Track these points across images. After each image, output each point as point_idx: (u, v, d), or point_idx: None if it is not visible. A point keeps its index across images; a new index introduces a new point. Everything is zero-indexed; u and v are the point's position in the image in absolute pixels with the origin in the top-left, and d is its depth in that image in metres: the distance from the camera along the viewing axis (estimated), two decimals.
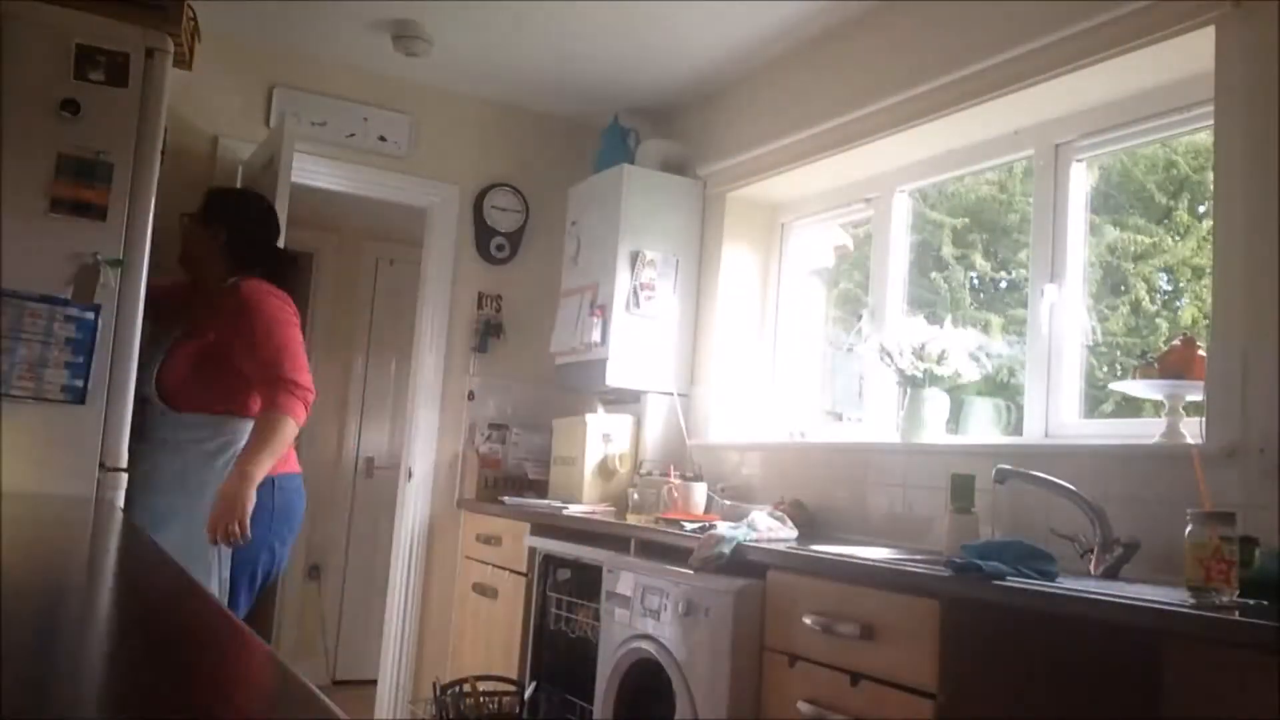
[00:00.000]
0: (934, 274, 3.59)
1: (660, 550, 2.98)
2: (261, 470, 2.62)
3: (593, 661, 3.08)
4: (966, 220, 3.55)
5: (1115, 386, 2.85)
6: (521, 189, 4.56)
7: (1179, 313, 2.96)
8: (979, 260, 3.54)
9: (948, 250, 3.58)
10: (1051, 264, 2.99)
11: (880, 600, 2.21)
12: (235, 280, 2.85)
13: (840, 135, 3.51)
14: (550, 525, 3.61)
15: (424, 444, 4.39)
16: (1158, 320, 2.98)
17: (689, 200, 4.17)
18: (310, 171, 4.07)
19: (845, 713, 2.23)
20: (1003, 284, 3.46)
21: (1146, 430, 2.59)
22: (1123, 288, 3.03)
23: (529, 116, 4.61)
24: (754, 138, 3.91)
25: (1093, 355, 2.97)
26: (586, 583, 3.34)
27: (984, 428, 3.09)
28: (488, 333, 4.47)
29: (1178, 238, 2.99)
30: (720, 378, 4.01)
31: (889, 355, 3.24)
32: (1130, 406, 2.81)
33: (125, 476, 2.67)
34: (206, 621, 1.04)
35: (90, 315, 2.64)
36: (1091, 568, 2.38)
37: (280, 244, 3.12)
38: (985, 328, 3.38)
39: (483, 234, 4.49)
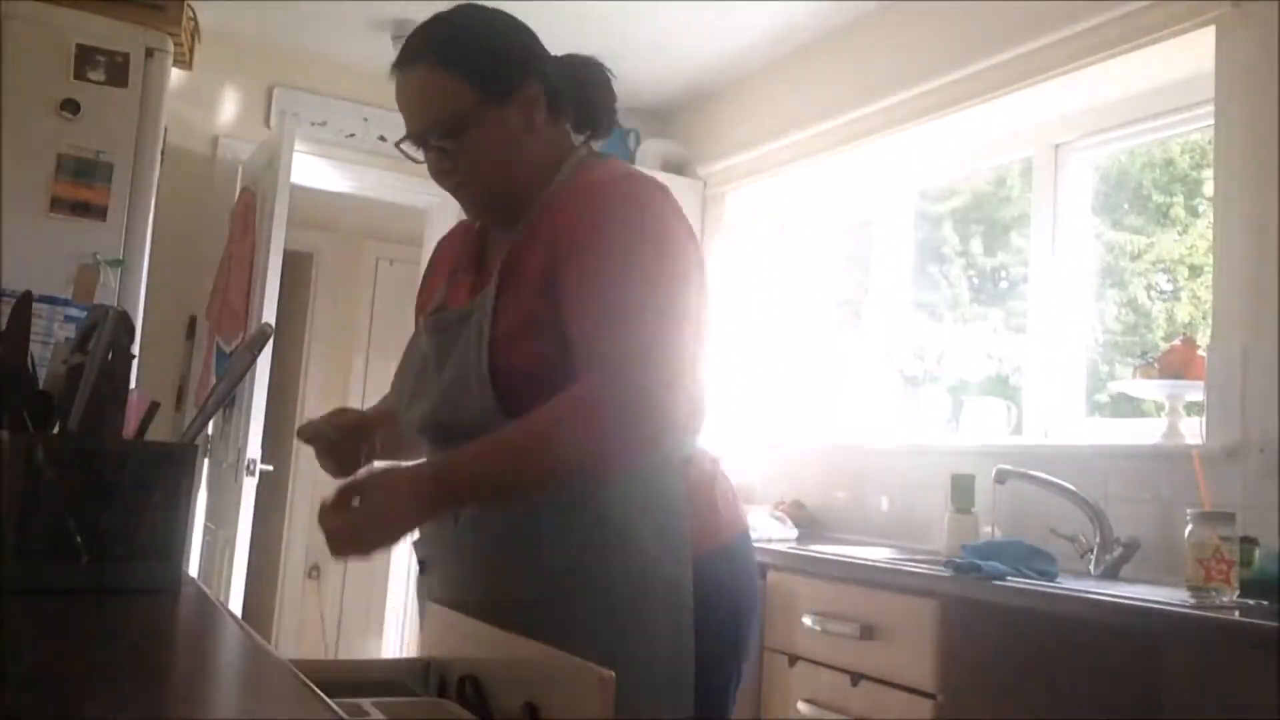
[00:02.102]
0: (933, 268, 3.59)
1: None
2: (467, 489, 1.25)
3: None
4: (967, 202, 3.55)
5: (1115, 386, 2.85)
6: None
7: (1175, 311, 2.96)
8: (979, 255, 3.54)
9: (948, 246, 3.58)
10: (1051, 264, 2.99)
11: (880, 600, 2.21)
12: (578, 162, 1.44)
13: (840, 135, 3.51)
14: None
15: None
16: (1155, 315, 2.98)
17: (689, 200, 4.16)
18: (310, 171, 4.07)
19: (845, 713, 2.23)
20: (1002, 283, 3.46)
21: (1146, 430, 2.59)
22: (1119, 286, 3.03)
23: None
24: (754, 138, 3.91)
25: (1092, 353, 2.97)
26: None
27: (984, 428, 3.09)
28: None
29: (1176, 236, 2.99)
30: (720, 378, 4.01)
31: (889, 354, 3.24)
32: (1127, 404, 2.81)
33: None
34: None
35: None
36: (1091, 568, 2.38)
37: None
38: (985, 320, 3.38)
39: None
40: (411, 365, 1.46)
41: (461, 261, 1.51)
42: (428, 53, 1.37)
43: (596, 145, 1.49)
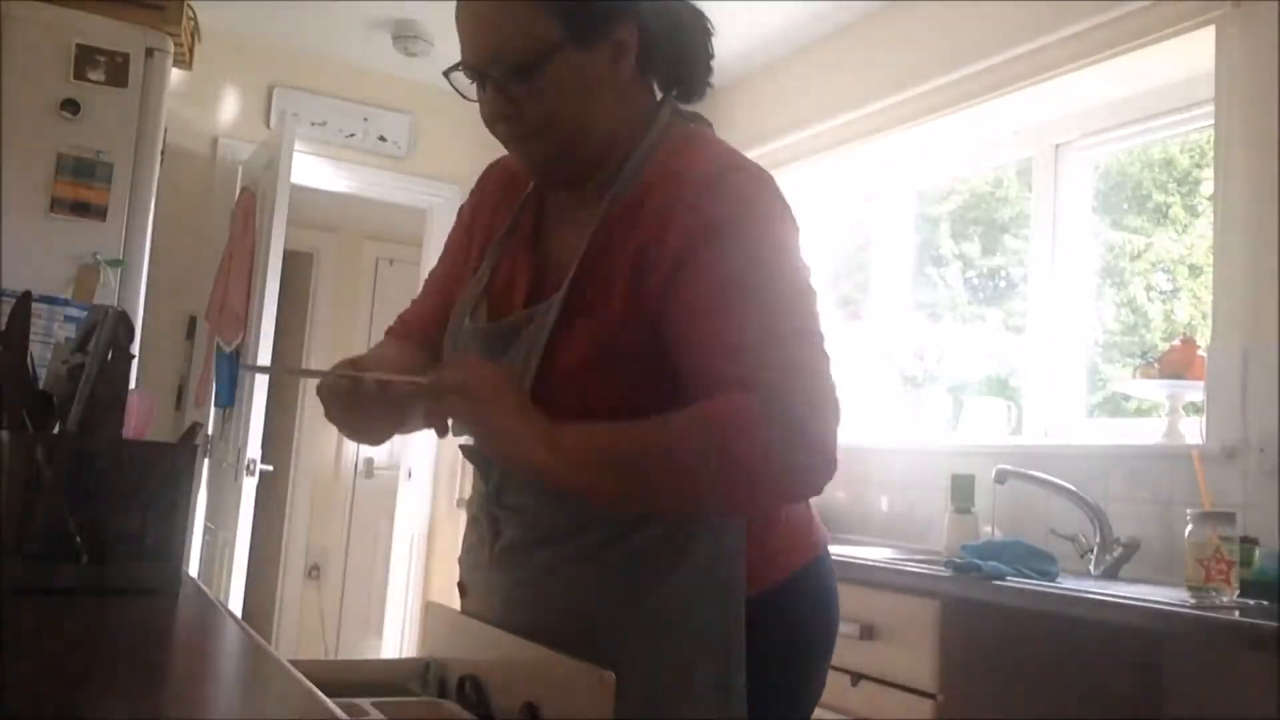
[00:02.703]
0: (931, 269, 3.59)
1: None
2: (556, 469, 1.06)
3: None
4: (966, 202, 3.55)
5: (1115, 386, 2.85)
6: None
7: (1174, 311, 2.96)
8: (977, 256, 3.54)
9: (947, 247, 3.58)
10: (1051, 264, 2.99)
11: (880, 600, 2.21)
12: (664, 132, 1.22)
13: (840, 135, 3.51)
14: None
15: (424, 444, 4.39)
16: (1154, 315, 2.98)
17: None
18: (310, 171, 4.07)
19: (845, 713, 2.23)
20: (1001, 283, 3.46)
21: (1146, 430, 2.59)
22: (1118, 286, 3.03)
23: None
24: (753, 138, 3.91)
25: (1092, 353, 2.97)
26: None
27: (984, 428, 3.09)
28: None
29: (1175, 236, 2.99)
30: None
31: (889, 354, 3.24)
32: (1121, 403, 2.81)
33: None
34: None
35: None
36: (1091, 568, 2.38)
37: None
38: (984, 320, 3.38)
39: None
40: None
41: (516, 230, 1.27)
42: None
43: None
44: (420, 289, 1.43)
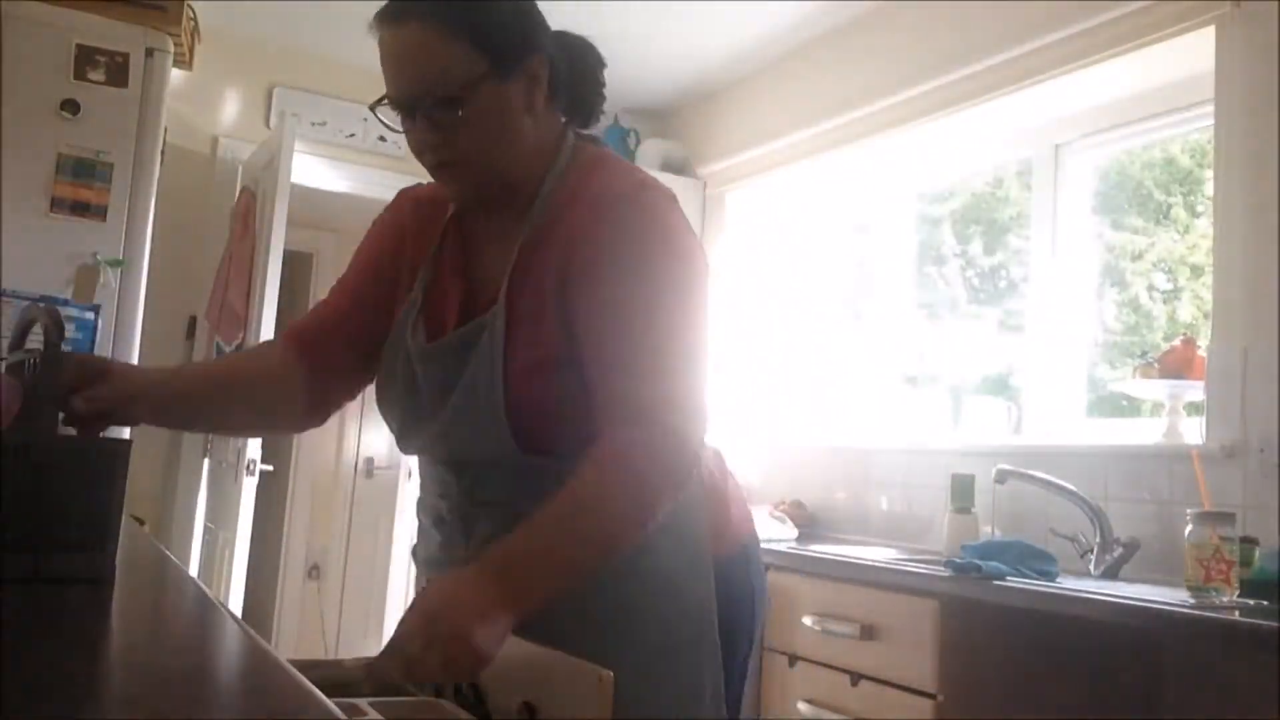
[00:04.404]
0: (931, 268, 3.59)
1: None
2: (535, 596, 1.10)
3: None
4: (965, 202, 3.55)
5: (1116, 386, 2.85)
6: None
7: (1175, 311, 2.96)
8: (978, 256, 3.54)
9: (947, 247, 3.58)
10: (1052, 264, 2.99)
11: (880, 600, 2.21)
12: (573, 153, 1.34)
13: (840, 135, 3.51)
14: None
15: None
16: (1155, 315, 2.98)
17: (689, 200, 4.16)
18: (310, 171, 4.07)
19: (845, 713, 2.23)
20: (1002, 283, 3.46)
21: (1146, 430, 2.59)
22: (1119, 286, 3.03)
23: None
24: (754, 137, 3.91)
25: (1092, 353, 2.97)
26: None
27: (984, 428, 3.09)
28: None
29: (1177, 236, 2.99)
30: (721, 378, 4.01)
31: (889, 354, 3.24)
32: (1125, 402, 2.81)
33: None
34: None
35: (90, 315, 2.65)
36: (1091, 568, 2.38)
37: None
38: (984, 320, 3.38)
39: None
40: (394, 387, 1.33)
41: (442, 258, 1.36)
42: (430, 9, 1.20)
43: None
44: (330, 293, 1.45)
